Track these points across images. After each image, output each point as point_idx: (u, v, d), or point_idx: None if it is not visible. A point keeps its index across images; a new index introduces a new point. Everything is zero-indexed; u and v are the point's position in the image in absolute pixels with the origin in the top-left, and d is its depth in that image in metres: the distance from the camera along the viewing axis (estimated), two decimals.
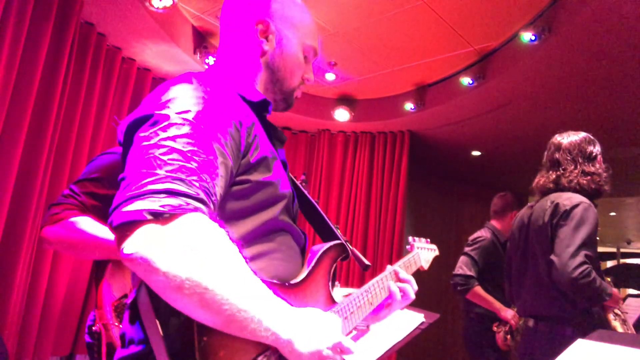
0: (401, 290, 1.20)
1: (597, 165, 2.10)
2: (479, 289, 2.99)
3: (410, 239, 1.54)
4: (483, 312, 3.04)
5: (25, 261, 3.08)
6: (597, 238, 1.98)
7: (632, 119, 4.30)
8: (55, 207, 1.54)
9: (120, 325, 1.50)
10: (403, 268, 1.33)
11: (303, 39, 1.08)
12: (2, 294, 2.95)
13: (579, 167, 2.09)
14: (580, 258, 1.83)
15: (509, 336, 2.81)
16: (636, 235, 11.61)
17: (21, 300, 3.10)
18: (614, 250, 13.42)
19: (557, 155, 2.15)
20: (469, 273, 3.05)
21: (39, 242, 1.55)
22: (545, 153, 2.24)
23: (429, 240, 1.60)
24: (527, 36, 3.27)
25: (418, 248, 1.51)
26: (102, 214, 1.53)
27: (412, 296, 1.22)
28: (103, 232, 1.48)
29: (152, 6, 3.22)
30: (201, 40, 4.01)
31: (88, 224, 1.49)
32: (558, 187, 2.10)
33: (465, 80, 4.02)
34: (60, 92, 3.26)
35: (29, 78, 3.05)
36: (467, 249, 3.19)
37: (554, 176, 2.13)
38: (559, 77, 3.73)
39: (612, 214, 9.20)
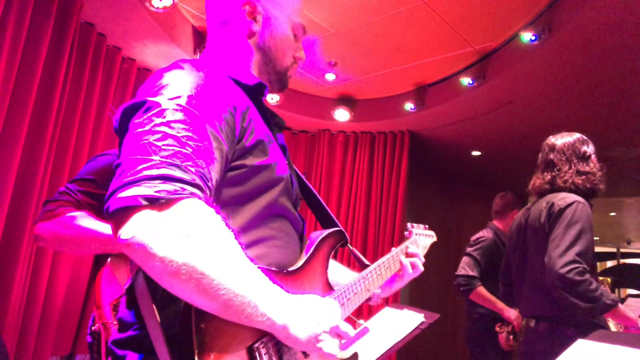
0: (411, 263, 1.31)
1: (592, 165, 2.11)
2: (481, 289, 2.99)
3: (408, 225, 1.53)
4: (486, 312, 3.04)
5: (25, 261, 3.08)
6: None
7: (631, 119, 4.30)
8: (51, 204, 1.54)
9: None
10: (402, 254, 1.36)
11: (291, 17, 1.07)
12: (2, 294, 2.95)
13: (573, 167, 2.10)
14: (569, 257, 1.82)
15: (511, 336, 2.81)
16: (636, 235, 11.60)
17: (21, 300, 3.10)
18: (614, 250, 13.42)
19: (551, 156, 2.17)
20: (471, 273, 3.05)
21: (34, 239, 1.54)
22: (540, 155, 2.26)
23: (427, 226, 1.60)
24: (527, 36, 3.27)
25: (416, 234, 1.51)
26: (97, 213, 1.52)
27: (421, 268, 1.33)
28: (98, 226, 1.47)
29: (152, 6, 3.22)
30: (201, 40, 4.01)
31: (83, 219, 1.48)
32: (554, 188, 2.11)
33: (465, 80, 4.02)
34: (60, 92, 3.26)
35: (29, 78, 3.05)
36: (469, 250, 3.19)
37: (549, 177, 2.14)
38: (559, 77, 3.73)
39: (612, 214, 9.20)
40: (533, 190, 2.22)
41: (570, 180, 2.07)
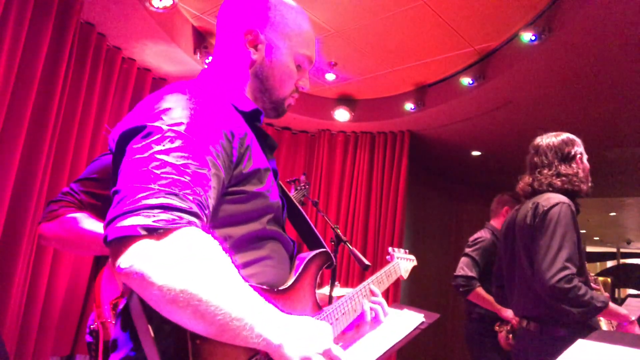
0: (373, 310, 1.19)
1: (575, 166, 2.09)
2: (480, 290, 2.99)
3: (390, 249, 1.60)
4: (485, 312, 3.04)
5: (24, 261, 3.08)
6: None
7: (631, 119, 4.30)
8: (54, 204, 1.55)
9: None
10: (385, 277, 1.36)
11: (296, 48, 1.07)
12: (2, 294, 2.95)
13: (554, 169, 2.09)
14: (558, 264, 1.83)
15: (510, 335, 2.81)
16: (636, 235, 11.62)
17: (21, 300, 3.10)
18: (614, 250, 13.43)
19: (535, 159, 2.18)
20: (470, 274, 3.06)
21: (37, 239, 1.56)
22: (527, 156, 2.26)
23: (407, 250, 1.67)
24: (527, 36, 3.27)
25: (398, 258, 1.57)
26: (100, 213, 1.53)
27: (382, 319, 1.20)
28: (99, 228, 1.48)
29: (152, 6, 3.22)
30: (201, 40, 4.01)
31: (85, 221, 1.49)
32: (534, 190, 2.12)
33: (465, 80, 4.02)
34: (60, 92, 3.25)
35: (29, 78, 3.05)
36: (467, 250, 3.20)
37: (530, 179, 2.16)
38: (558, 77, 3.73)
39: (612, 214, 9.21)
40: (520, 192, 2.23)
41: (546, 182, 2.07)
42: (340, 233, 2.19)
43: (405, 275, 1.59)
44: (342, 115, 4.94)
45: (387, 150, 5.32)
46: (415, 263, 1.70)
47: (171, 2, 3.21)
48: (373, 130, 5.39)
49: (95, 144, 3.75)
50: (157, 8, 3.23)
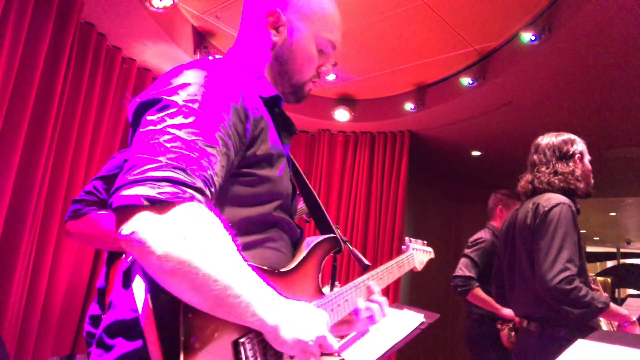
0: (368, 309, 1.13)
1: (572, 164, 2.10)
2: (478, 291, 2.99)
3: (407, 239, 1.55)
4: (485, 313, 3.04)
5: (24, 261, 3.08)
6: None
7: (631, 119, 4.30)
8: (77, 203, 1.66)
9: None
10: (395, 267, 1.33)
11: (318, 31, 1.05)
12: (2, 294, 2.95)
13: (551, 167, 2.11)
14: (559, 265, 1.83)
15: (513, 333, 2.81)
16: (636, 235, 11.61)
17: (21, 300, 3.10)
18: (614, 250, 13.43)
19: (534, 157, 2.20)
20: (468, 274, 3.06)
21: (65, 234, 1.69)
22: (529, 155, 2.27)
23: (425, 242, 1.61)
24: (527, 36, 3.27)
25: (413, 249, 1.52)
26: None
27: (378, 319, 1.13)
28: None
29: (152, 6, 3.22)
30: (201, 40, 4.01)
31: (107, 219, 1.60)
32: (534, 189, 2.13)
33: (465, 80, 4.01)
34: (60, 92, 3.26)
35: (29, 78, 3.05)
36: (467, 251, 3.20)
37: (530, 178, 2.17)
38: (558, 77, 3.73)
39: (612, 214, 9.21)
40: (520, 191, 2.24)
41: (545, 181, 2.08)
42: (340, 233, 2.19)
43: (420, 267, 1.54)
44: (342, 115, 4.94)
45: (387, 150, 5.32)
46: (432, 255, 1.64)
47: (171, 2, 3.21)
48: (373, 130, 5.39)
49: (95, 144, 3.75)
50: (157, 8, 3.23)
